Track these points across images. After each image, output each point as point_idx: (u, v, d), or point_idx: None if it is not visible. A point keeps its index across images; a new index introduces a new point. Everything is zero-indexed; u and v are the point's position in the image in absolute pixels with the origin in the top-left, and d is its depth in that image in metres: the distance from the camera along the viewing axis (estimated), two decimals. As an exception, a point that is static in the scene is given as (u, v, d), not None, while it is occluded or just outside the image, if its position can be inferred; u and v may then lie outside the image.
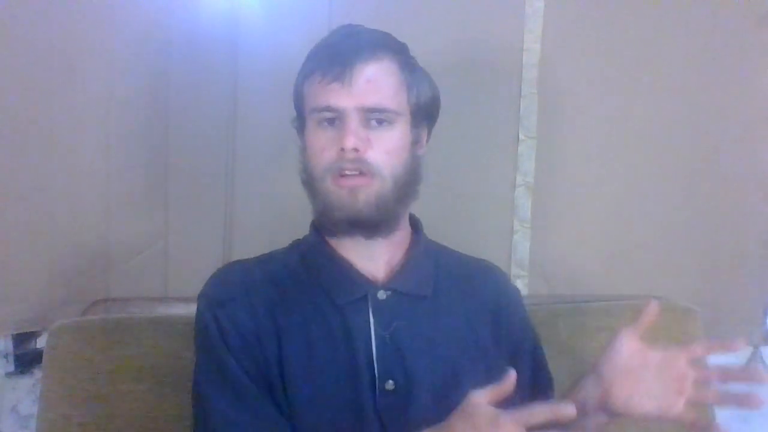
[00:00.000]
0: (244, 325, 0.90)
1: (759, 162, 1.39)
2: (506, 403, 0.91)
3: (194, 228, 1.35)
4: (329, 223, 0.93)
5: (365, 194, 0.89)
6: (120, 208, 1.32)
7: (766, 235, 1.40)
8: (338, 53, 0.90)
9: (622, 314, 1.24)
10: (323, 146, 0.91)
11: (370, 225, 0.91)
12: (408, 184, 0.93)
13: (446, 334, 0.94)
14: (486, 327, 0.97)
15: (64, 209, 1.30)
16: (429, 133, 0.99)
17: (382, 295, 0.92)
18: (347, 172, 0.89)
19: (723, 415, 1.27)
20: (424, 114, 0.96)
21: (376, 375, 0.89)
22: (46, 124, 1.28)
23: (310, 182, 0.93)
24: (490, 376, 0.90)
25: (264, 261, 0.99)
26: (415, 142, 0.95)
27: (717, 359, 1.32)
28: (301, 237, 1.01)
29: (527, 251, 1.40)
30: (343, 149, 0.88)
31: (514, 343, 1.00)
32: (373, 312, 0.91)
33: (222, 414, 0.87)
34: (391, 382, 0.89)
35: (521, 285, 1.38)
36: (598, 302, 1.29)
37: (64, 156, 1.29)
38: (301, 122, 0.96)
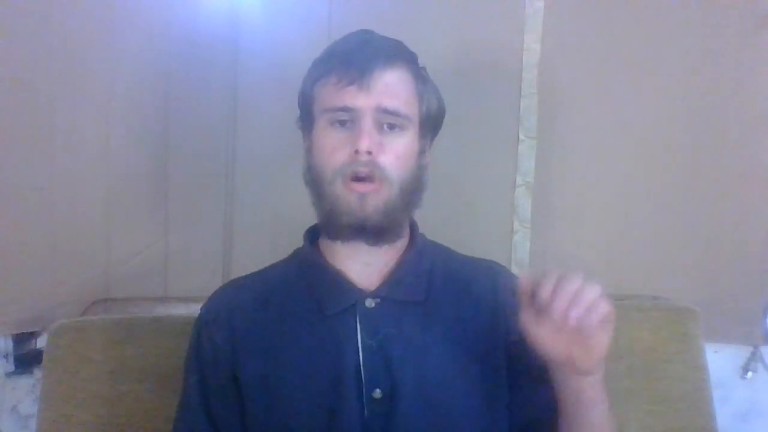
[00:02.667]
0: (220, 346, 0.94)
1: (759, 162, 1.39)
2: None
3: (194, 228, 1.36)
4: (334, 227, 0.92)
5: (374, 201, 0.89)
6: (120, 208, 1.33)
7: (766, 235, 1.40)
8: (355, 59, 0.89)
9: (622, 314, 1.24)
10: (334, 147, 0.89)
11: (375, 232, 0.90)
12: (413, 192, 0.93)
13: (437, 339, 0.93)
14: (482, 329, 0.95)
15: (64, 209, 1.30)
16: (431, 144, 1.00)
17: (370, 303, 0.92)
18: (360, 175, 0.88)
19: (723, 415, 1.27)
20: (432, 125, 0.97)
21: (363, 383, 0.89)
22: (47, 124, 1.28)
23: (317, 184, 0.92)
24: (483, 379, 0.92)
25: (261, 275, 1.01)
26: (422, 152, 0.95)
27: (716, 359, 1.34)
28: (301, 239, 1.01)
29: (527, 251, 1.40)
30: (357, 151, 0.87)
31: (513, 342, 0.95)
32: (360, 320, 0.91)
33: None
34: (378, 390, 0.89)
35: (521, 285, 1.38)
36: (598, 302, 1.29)
37: (64, 156, 1.30)
38: (308, 122, 0.95)
